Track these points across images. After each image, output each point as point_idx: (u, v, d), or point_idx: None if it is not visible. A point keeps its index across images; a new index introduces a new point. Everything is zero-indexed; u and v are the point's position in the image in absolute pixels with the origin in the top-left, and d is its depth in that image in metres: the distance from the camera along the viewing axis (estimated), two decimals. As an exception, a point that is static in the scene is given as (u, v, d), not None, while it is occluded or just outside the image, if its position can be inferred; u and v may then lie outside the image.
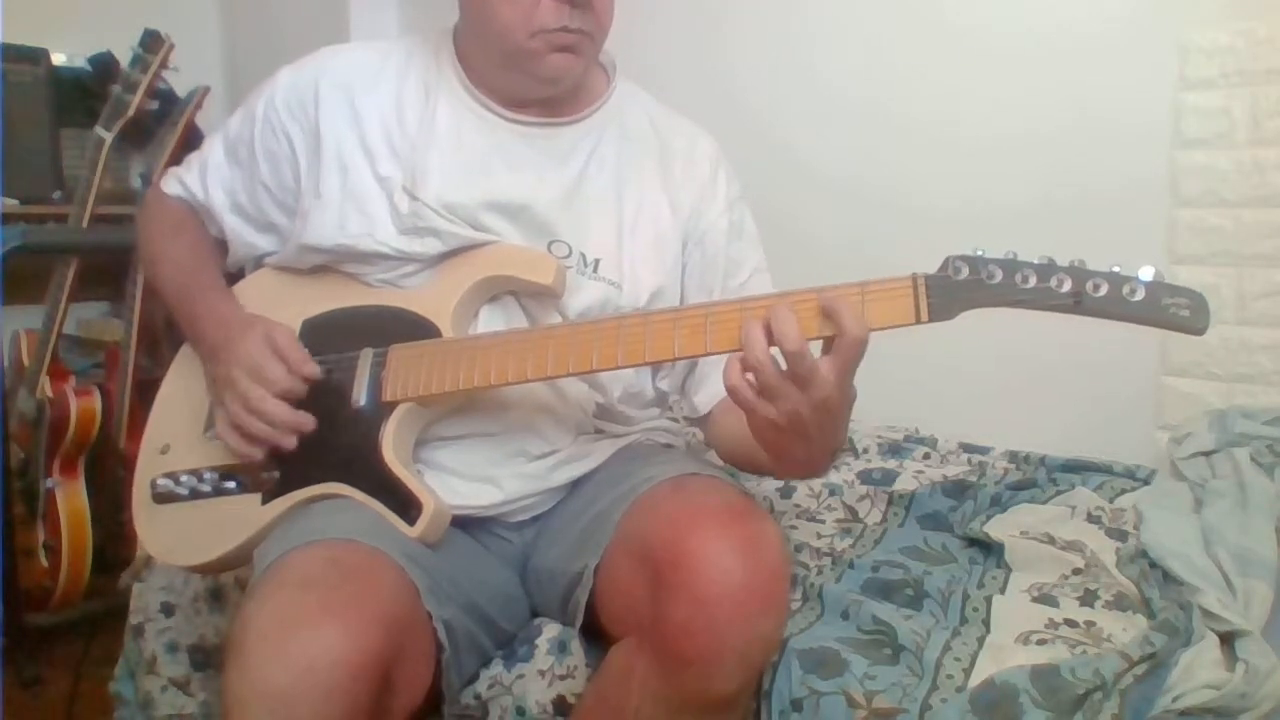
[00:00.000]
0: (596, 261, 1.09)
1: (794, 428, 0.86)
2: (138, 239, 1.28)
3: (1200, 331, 0.80)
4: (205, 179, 1.20)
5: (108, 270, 2.28)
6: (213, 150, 1.21)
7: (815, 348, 0.85)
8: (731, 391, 0.85)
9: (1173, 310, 0.79)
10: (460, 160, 1.08)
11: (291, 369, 1.04)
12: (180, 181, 1.23)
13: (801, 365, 0.82)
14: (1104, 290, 0.80)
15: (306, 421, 1.03)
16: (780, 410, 0.85)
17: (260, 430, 1.03)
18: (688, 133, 1.19)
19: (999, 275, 0.82)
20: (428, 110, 1.10)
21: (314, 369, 1.05)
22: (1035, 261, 0.82)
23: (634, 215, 1.12)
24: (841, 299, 0.84)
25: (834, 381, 0.83)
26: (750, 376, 0.84)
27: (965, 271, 0.83)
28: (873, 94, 1.80)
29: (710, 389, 1.12)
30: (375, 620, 0.83)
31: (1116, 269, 0.80)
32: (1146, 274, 0.80)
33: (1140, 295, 0.80)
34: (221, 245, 1.23)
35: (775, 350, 0.83)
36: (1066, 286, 0.81)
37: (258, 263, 1.22)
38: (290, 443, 1.03)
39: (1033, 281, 0.81)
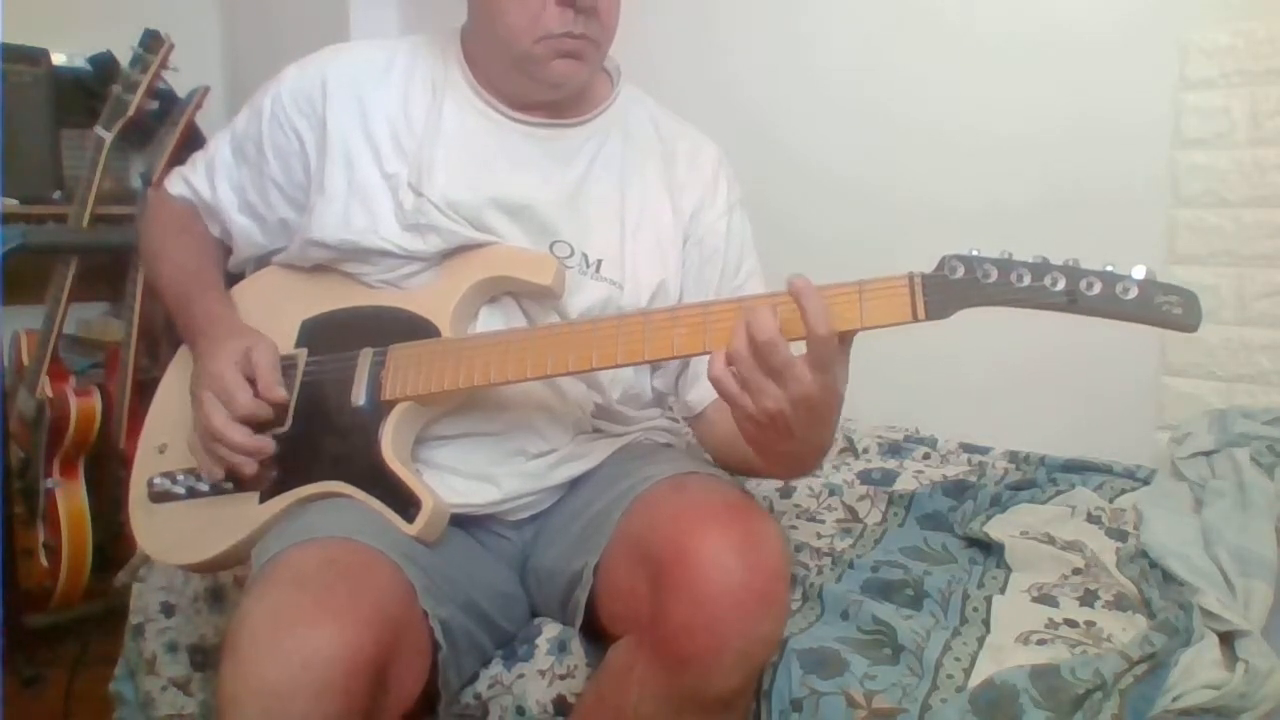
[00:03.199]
0: (599, 262, 1.09)
1: (776, 425, 0.86)
2: (140, 238, 1.28)
3: (1192, 329, 0.80)
4: (213, 178, 1.20)
5: (108, 270, 2.28)
6: (219, 149, 1.21)
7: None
8: (715, 382, 0.86)
9: (1165, 308, 0.80)
10: (466, 158, 1.08)
11: (260, 392, 1.03)
12: (185, 181, 1.23)
13: (774, 357, 0.81)
14: (1097, 289, 0.81)
15: (265, 447, 1.03)
16: (759, 406, 0.84)
17: (219, 454, 1.03)
18: (691, 138, 1.20)
19: (994, 274, 0.83)
20: (434, 108, 1.10)
21: (281, 394, 1.04)
22: (1030, 260, 0.82)
23: (637, 217, 1.12)
24: (812, 292, 0.82)
25: (810, 378, 0.83)
26: (733, 368, 0.84)
27: (961, 270, 0.83)
28: (872, 94, 1.80)
29: (702, 388, 1.12)
30: (370, 619, 0.83)
31: (1110, 268, 0.81)
32: (1139, 272, 0.81)
33: (1133, 293, 0.80)
34: (223, 246, 1.23)
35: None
36: (1061, 285, 0.81)
37: (259, 263, 1.22)
38: (250, 468, 1.03)
39: (1027, 280, 0.82)
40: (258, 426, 1.03)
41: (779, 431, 0.87)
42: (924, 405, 1.71)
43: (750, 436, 0.91)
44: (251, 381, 1.03)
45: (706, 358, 0.87)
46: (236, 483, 1.07)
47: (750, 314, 0.83)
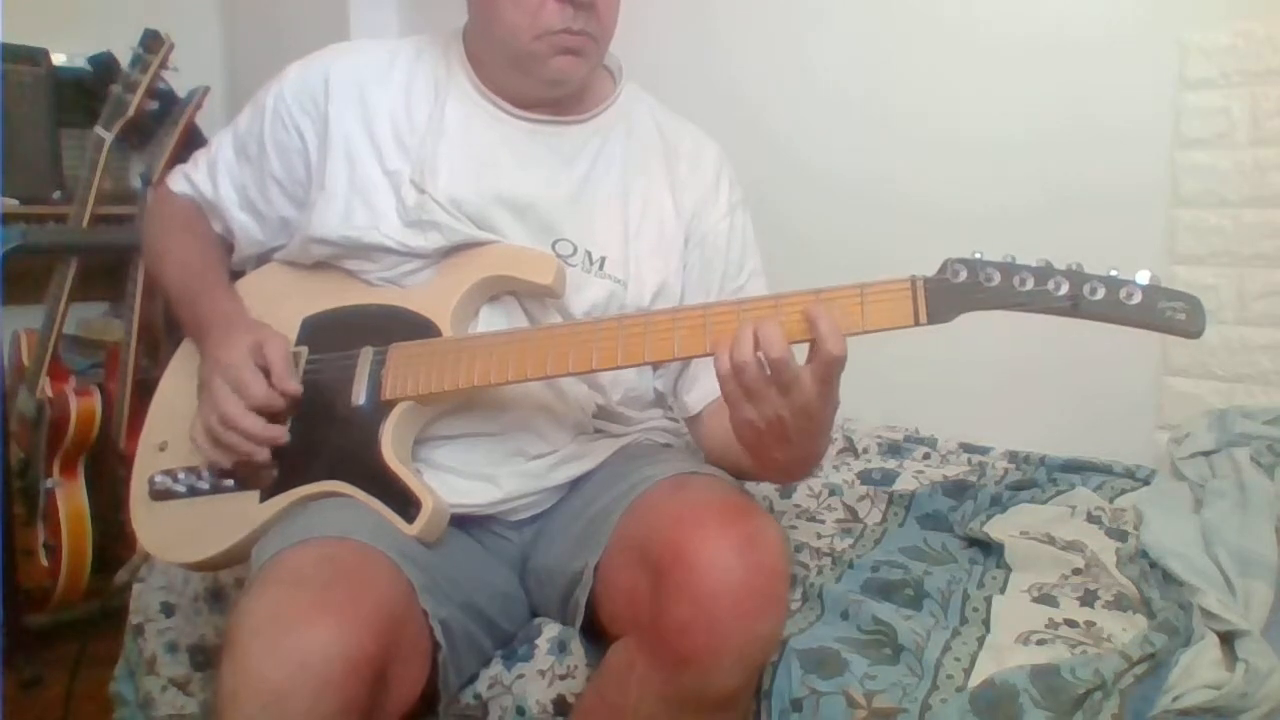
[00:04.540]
0: (602, 259, 1.09)
1: (774, 431, 0.87)
2: (143, 236, 1.29)
3: (1196, 335, 0.80)
4: (215, 176, 1.20)
5: (108, 270, 2.28)
6: (222, 147, 1.21)
7: (802, 351, 0.85)
8: (722, 382, 0.86)
9: (1169, 314, 0.80)
10: (469, 155, 1.08)
11: (274, 383, 1.03)
12: (188, 179, 1.24)
13: (785, 372, 0.83)
14: (1101, 294, 0.81)
15: (279, 435, 1.03)
16: (761, 413, 0.86)
17: (232, 441, 1.03)
18: (693, 136, 1.20)
19: (997, 278, 0.83)
20: (437, 107, 1.10)
21: (296, 387, 1.04)
22: (1033, 264, 0.82)
23: (639, 214, 1.12)
24: (824, 309, 0.84)
25: (814, 389, 0.84)
26: (738, 376, 0.85)
27: (964, 274, 0.83)
28: (872, 94, 1.80)
29: (701, 389, 1.13)
30: (369, 618, 0.83)
31: (1114, 272, 0.81)
32: (1143, 278, 0.80)
33: (1137, 299, 0.80)
34: (227, 243, 1.23)
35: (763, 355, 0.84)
36: (1064, 290, 0.81)
37: (260, 260, 1.22)
38: (262, 455, 1.03)
39: (1030, 284, 0.82)
40: (268, 419, 1.03)
41: (777, 438, 0.88)
42: (924, 405, 1.71)
43: (747, 441, 0.92)
44: (265, 373, 1.03)
45: (706, 360, 0.87)
46: (237, 481, 1.07)
47: (760, 327, 0.83)
